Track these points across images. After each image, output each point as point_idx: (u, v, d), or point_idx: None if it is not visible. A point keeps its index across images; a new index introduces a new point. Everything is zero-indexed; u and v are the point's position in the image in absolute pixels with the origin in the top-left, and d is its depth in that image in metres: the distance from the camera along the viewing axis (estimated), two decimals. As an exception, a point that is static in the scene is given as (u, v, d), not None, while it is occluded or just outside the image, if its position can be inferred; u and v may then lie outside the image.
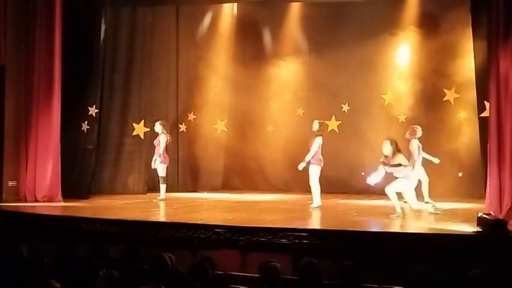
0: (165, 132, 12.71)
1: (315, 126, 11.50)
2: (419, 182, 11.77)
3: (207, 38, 15.15)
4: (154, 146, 12.81)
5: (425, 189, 11.86)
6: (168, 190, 13.01)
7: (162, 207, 12.24)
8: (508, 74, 9.74)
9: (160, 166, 12.70)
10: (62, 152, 12.56)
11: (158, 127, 12.79)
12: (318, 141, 11.35)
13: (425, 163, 12.18)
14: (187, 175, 15.09)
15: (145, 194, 13.70)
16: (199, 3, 14.90)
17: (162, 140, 12.64)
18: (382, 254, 8.15)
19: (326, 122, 14.16)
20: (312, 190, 11.43)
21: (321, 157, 11.39)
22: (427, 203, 11.76)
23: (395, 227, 9.72)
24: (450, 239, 8.45)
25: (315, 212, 11.15)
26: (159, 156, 12.63)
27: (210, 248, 8.67)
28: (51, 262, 5.95)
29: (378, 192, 11.61)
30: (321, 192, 11.54)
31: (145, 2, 14.00)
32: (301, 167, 11.41)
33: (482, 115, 10.73)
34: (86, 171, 13.22)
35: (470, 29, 11.44)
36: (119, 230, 9.48)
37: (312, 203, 11.41)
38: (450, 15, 13.22)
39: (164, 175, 12.75)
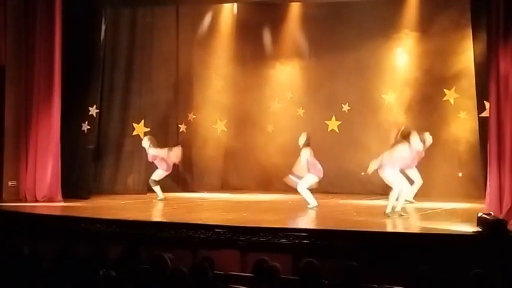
0: (151, 146, 12.74)
1: (302, 139, 11.46)
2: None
3: (207, 38, 15.15)
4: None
5: (414, 189, 11.79)
6: (168, 190, 13.02)
7: (161, 207, 12.24)
8: (508, 74, 9.74)
9: (160, 172, 12.74)
10: (62, 152, 12.55)
11: (146, 142, 12.82)
12: (305, 154, 11.30)
13: (426, 163, 12.20)
14: (187, 175, 15.08)
15: (145, 194, 13.68)
16: (199, 3, 14.90)
17: (152, 152, 12.67)
18: (382, 254, 8.15)
19: (326, 122, 14.29)
20: (302, 194, 11.39)
21: (320, 167, 11.35)
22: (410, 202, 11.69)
23: (395, 227, 9.72)
24: (450, 239, 8.45)
25: (315, 212, 11.14)
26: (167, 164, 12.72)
27: (210, 248, 8.67)
28: (51, 262, 5.96)
29: (378, 192, 11.63)
30: (321, 192, 11.54)
31: (145, 2, 14.00)
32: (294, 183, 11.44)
33: (482, 115, 10.74)
34: (86, 171, 13.24)
35: (470, 29, 11.46)
36: (119, 230, 9.47)
37: (309, 204, 11.39)
38: (449, 16, 13.24)
39: (156, 179, 12.76)
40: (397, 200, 10.30)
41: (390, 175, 10.20)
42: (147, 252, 6.76)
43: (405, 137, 10.36)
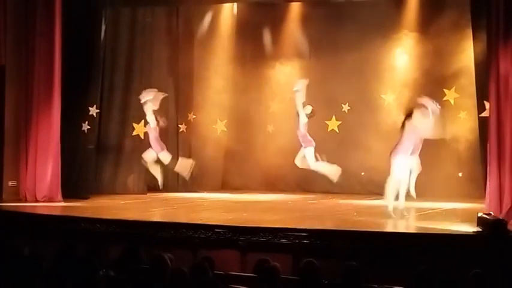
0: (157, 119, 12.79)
1: (308, 110, 11.52)
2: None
3: (207, 38, 15.15)
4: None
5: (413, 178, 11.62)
6: (168, 190, 13.00)
7: (162, 207, 12.23)
8: (508, 74, 9.75)
9: (164, 155, 12.76)
10: (62, 152, 12.55)
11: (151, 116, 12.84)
12: (304, 122, 11.48)
13: (426, 163, 12.18)
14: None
15: (145, 194, 13.69)
16: (199, 3, 14.91)
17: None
18: (382, 254, 8.15)
19: (326, 122, 14.28)
20: (321, 170, 11.42)
21: (310, 138, 11.54)
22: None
23: (395, 227, 9.72)
24: (450, 239, 8.46)
25: (315, 212, 11.13)
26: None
27: (210, 248, 8.67)
28: (51, 262, 5.96)
29: (378, 192, 11.58)
30: (321, 192, 11.54)
31: (145, 2, 14.00)
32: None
33: (482, 115, 10.74)
34: (86, 171, 13.23)
35: (469, 29, 11.47)
36: (119, 230, 9.47)
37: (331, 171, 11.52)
38: (449, 16, 13.26)
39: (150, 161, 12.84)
40: (397, 198, 10.26)
41: (399, 163, 9.99)
42: (147, 252, 6.75)
43: (408, 117, 10.13)
